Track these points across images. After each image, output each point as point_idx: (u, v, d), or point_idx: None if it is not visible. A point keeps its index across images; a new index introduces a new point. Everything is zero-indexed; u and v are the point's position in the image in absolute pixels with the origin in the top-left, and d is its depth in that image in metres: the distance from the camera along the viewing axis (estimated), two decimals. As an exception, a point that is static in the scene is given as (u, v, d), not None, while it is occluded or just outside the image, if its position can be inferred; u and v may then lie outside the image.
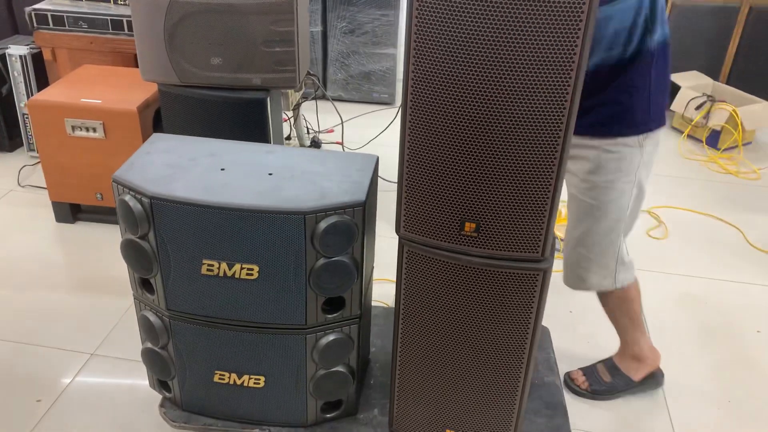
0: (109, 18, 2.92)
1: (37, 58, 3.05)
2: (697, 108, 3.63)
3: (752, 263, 2.69)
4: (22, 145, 3.25)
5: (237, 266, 1.40)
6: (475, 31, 1.11)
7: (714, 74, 3.95)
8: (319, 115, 3.39)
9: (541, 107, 1.14)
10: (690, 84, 3.76)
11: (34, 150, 3.13)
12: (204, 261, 1.41)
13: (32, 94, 3.02)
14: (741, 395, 2.03)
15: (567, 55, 1.10)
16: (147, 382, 1.72)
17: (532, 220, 1.24)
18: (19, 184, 3.01)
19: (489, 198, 1.24)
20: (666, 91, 1.66)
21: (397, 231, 1.36)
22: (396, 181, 1.33)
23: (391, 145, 2.00)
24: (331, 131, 3.50)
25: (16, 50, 3.01)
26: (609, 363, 2.02)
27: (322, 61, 3.98)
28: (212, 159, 1.50)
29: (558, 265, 1.74)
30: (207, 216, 1.35)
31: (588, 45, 1.09)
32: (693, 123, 3.64)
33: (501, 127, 1.17)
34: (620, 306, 1.89)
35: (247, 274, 1.41)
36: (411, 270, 1.38)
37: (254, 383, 1.57)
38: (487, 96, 1.15)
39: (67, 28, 2.96)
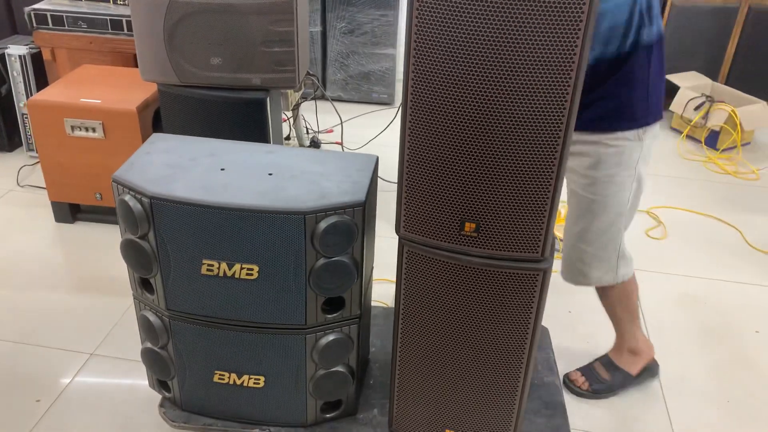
0: (108, 18, 2.92)
1: (37, 58, 3.05)
2: (696, 108, 3.63)
3: (751, 263, 2.70)
4: (21, 145, 3.25)
5: (237, 266, 1.40)
6: (475, 31, 1.11)
7: (713, 75, 3.95)
8: (318, 116, 3.39)
9: (541, 107, 1.14)
10: (689, 84, 3.76)
11: (33, 150, 3.13)
12: (204, 261, 1.41)
13: (31, 94, 3.02)
14: (740, 395, 2.03)
15: (567, 55, 1.10)
16: (147, 382, 1.72)
17: (532, 220, 1.25)
18: (18, 184, 3.01)
19: (489, 198, 1.24)
20: (662, 84, 1.67)
21: (397, 231, 1.36)
22: (396, 181, 1.33)
23: (390, 145, 2.00)
24: (331, 131, 3.50)
25: (16, 50, 3.01)
26: (605, 360, 2.02)
27: (321, 61, 3.98)
28: (212, 159, 1.50)
29: (558, 266, 1.75)
30: (207, 216, 1.36)
31: (588, 45, 1.09)
32: (692, 123, 3.64)
33: (501, 127, 1.17)
34: (620, 300, 1.89)
35: (247, 274, 1.41)
36: (411, 270, 1.38)
37: (254, 383, 1.57)
38: (487, 96, 1.15)
39: (66, 28, 2.95)
